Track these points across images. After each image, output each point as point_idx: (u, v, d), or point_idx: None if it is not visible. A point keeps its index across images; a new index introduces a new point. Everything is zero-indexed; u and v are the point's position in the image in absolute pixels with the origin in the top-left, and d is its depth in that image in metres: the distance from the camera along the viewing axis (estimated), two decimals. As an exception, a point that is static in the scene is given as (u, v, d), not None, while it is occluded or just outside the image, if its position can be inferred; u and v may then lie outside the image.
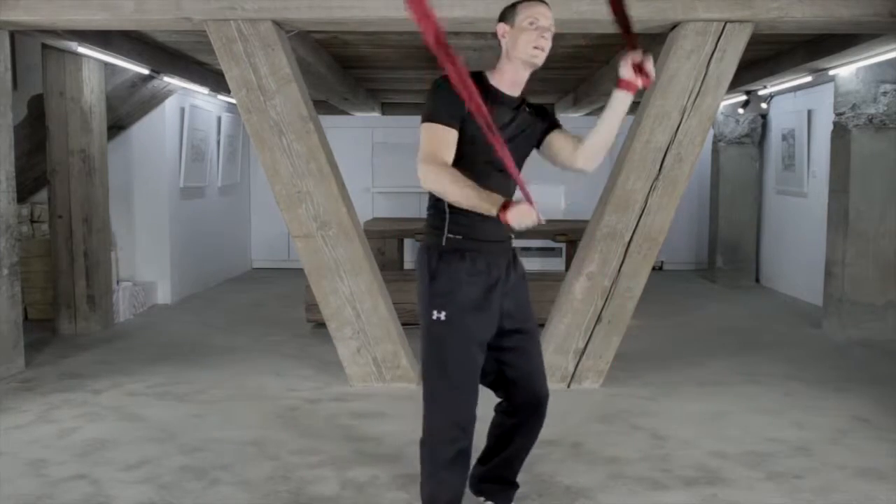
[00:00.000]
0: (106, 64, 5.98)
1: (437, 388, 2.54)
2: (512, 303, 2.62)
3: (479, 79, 2.53)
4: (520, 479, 3.31)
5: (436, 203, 2.58)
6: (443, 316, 2.51)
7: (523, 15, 2.49)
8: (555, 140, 2.67)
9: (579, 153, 2.64)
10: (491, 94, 2.50)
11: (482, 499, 2.93)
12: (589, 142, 2.63)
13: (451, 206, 2.50)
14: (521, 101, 2.61)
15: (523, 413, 2.73)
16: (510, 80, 2.55)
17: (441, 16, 4.47)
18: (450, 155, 2.44)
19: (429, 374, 2.56)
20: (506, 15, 2.55)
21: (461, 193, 2.34)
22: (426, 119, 2.45)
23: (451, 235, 2.54)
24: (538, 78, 8.56)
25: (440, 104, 2.45)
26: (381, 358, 4.65)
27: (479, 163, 2.48)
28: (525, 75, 2.55)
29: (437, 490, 2.56)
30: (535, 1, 2.52)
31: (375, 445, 3.71)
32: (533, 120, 2.64)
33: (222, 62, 4.28)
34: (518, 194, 2.46)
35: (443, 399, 2.54)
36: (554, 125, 2.70)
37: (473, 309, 2.52)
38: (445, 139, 2.43)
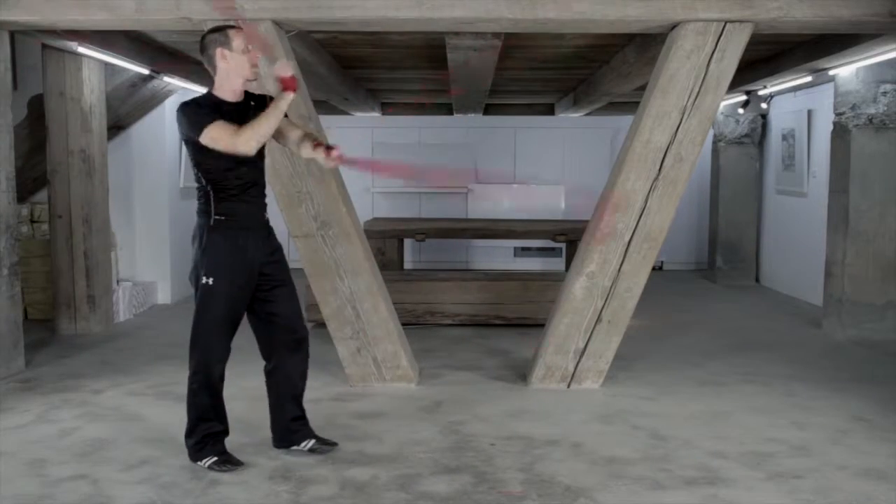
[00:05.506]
0: (106, 64, 5.98)
1: (201, 334, 3.31)
2: (272, 267, 3.41)
3: (208, 97, 3.29)
4: (519, 478, 3.32)
5: (205, 192, 3.27)
6: (210, 281, 3.25)
7: (238, 41, 3.25)
8: (284, 128, 3.39)
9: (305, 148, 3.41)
10: (220, 106, 3.23)
11: (304, 444, 3.55)
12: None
13: (216, 196, 3.24)
14: (246, 101, 3.33)
15: (285, 350, 3.48)
16: (231, 91, 3.29)
17: (441, 16, 4.48)
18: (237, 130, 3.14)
19: (197, 325, 3.32)
20: (218, 41, 3.25)
21: (267, 124, 3.13)
22: (206, 125, 3.11)
23: (217, 217, 3.26)
24: (538, 78, 8.57)
25: (203, 113, 3.16)
26: (381, 358, 4.65)
27: (220, 161, 3.20)
28: (242, 85, 3.31)
29: (197, 403, 3.36)
30: (238, 29, 3.31)
31: (375, 445, 3.71)
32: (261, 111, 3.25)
33: (222, 62, 4.28)
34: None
35: (206, 344, 3.32)
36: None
37: (232, 276, 3.28)
38: (228, 125, 3.13)
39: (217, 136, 3.11)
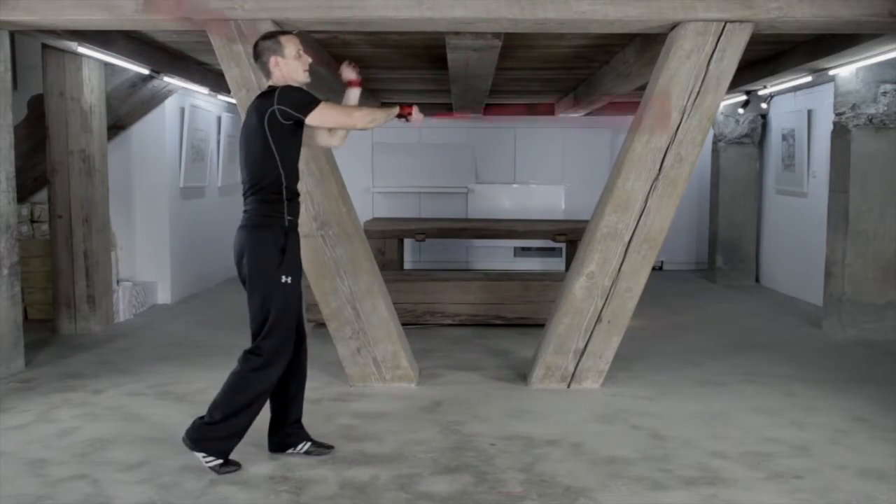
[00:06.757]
0: (106, 64, 5.98)
1: (285, 333, 3.35)
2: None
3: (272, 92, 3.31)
4: (519, 478, 3.32)
5: (276, 196, 3.31)
6: (290, 280, 3.33)
7: (290, 47, 3.36)
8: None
9: (336, 136, 3.75)
10: None
11: (300, 447, 3.54)
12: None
13: (288, 198, 3.32)
14: None
15: (296, 347, 3.47)
16: None
17: (441, 16, 4.48)
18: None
19: (280, 324, 3.33)
20: (271, 48, 3.34)
21: (379, 115, 3.42)
22: (315, 103, 3.24)
23: (290, 218, 3.35)
24: (538, 78, 8.54)
25: (310, 95, 3.29)
26: (381, 358, 4.65)
27: (297, 152, 3.39)
28: None
29: (236, 401, 3.32)
30: (291, 35, 3.43)
31: (375, 445, 3.71)
32: None
33: (222, 62, 4.28)
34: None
35: (287, 339, 3.37)
36: None
37: (300, 273, 3.43)
38: (336, 104, 3.40)
39: (329, 112, 3.30)
